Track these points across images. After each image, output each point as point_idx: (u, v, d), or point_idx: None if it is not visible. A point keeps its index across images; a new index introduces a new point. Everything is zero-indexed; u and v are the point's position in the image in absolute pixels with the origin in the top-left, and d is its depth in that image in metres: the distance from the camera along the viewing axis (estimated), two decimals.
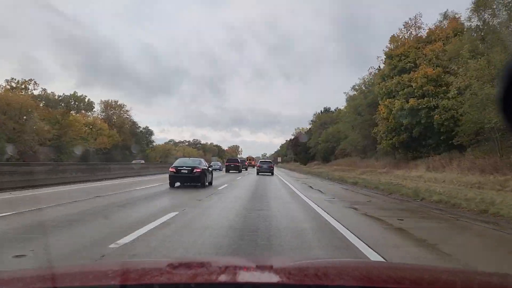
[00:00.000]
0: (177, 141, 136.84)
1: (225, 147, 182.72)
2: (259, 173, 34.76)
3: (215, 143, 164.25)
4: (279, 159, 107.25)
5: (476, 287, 1.39)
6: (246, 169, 51.64)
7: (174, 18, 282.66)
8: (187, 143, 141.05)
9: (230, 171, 39.69)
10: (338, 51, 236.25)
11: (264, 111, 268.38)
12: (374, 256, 4.83)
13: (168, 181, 16.98)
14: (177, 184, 17.13)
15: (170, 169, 17.25)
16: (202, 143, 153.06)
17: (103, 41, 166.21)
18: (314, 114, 77.38)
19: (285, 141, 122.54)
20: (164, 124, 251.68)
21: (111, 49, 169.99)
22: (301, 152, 78.86)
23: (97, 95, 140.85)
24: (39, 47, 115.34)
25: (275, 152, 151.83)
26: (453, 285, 1.42)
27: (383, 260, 4.67)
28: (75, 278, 1.39)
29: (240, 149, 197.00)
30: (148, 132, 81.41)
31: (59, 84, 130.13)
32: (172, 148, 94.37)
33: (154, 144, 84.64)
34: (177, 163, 18.08)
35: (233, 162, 42.60)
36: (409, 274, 1.59)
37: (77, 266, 3.48)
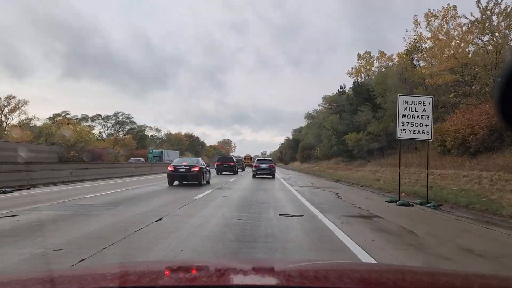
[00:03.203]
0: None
1: (213, 142, 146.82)
2: (257, 175, 27.08)
3: (202, 137, 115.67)
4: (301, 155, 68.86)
5: None
6: (243, 170, 45.71)
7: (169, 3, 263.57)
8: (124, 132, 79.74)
9: (223, 173, 31.97)
10: (350, 37, 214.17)
11: (265, 108, 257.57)
12: None
13: (167, 180, 17.69)
14: (176, 182, 17.67)
15: (168, 168, 17.97)
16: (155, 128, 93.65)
17: (90, 27, 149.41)
18: None
19: (298, 128, 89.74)
20: (162, 122, 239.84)
21: (100, 36, 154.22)
22: None
23: (87, 88, 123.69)
24: (16, 33, 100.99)
25: (278, 149, 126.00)
26: (453, 287, 1.42)
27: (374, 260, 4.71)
28: (74, 280, 1.38)
29: (233, 145, 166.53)
30: None
31: (41, 75, 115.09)
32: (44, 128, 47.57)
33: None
34: (175, 162, 18.85)
35: (226, 161, 33.68)
36: (408, 276, 1.60)
37: (76, 269, 3.47)
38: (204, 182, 18.07)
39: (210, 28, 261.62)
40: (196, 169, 17.27)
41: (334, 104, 54.69)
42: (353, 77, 51.98)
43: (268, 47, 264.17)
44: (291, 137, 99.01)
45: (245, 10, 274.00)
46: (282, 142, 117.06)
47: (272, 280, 1.46)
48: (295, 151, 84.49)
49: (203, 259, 4.02)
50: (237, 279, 1.42)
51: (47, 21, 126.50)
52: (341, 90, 54.30)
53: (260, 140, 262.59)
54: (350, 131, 38.04)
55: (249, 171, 39.80)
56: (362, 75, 51.74)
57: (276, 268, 1.70)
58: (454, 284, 1.48)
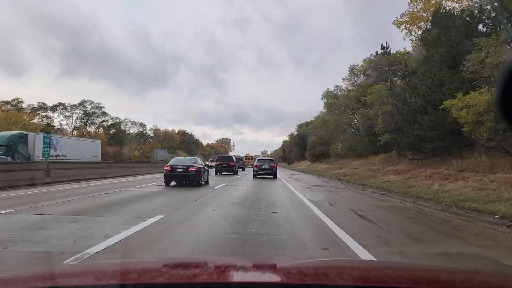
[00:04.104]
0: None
1: (213, 141, 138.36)
2: (258, 175, 26.68)
3: (198, 137, 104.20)
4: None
5: (475, 286, 1.40)
6: (243, 169, 45.72)
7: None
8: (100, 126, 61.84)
9: (223, 173, 31.01)
10: (352, 36, 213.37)
11: (266, 108, 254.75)
12: None
13: (164, 180, 17.41)
14: (173, 183, 17.43)
15: (165, 168, 17.70)
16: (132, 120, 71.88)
17: (88, 24, 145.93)
18: None
19: (304, 122, 75.76)
20: (162, 121, 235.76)
21: (99, 33, 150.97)
22: None
23: (87, 87, 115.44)
24: (16, 33, 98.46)
25: (280, 147, 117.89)
26: (452, 284, 1.43)
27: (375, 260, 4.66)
28: (75, 277, 1.38)
29: (232, 144, 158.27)
30: None
31: (40, 74, 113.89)
32: None
33: None
34: (172, 161, 18.49)
35: (226, 160, 32.25)
36: (408, 273, 1.60)
37: (76, 266, 3.46)
38: (203, 182, 17.81)
39: (211, 27, 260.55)
40: (193, 169, 17.00)
41: (369, 72, 38.58)
42: (403, 29, 34.35)
43: (269, 46, 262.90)
44: (295, 133, 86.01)
45: (245, 7, 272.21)
46: (286, 139, 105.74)
47: (272, 277, 1.46)
48: (301, 149, 72.64)
49: (203, 257, 4.00)
50: (237, 276, 1.42)
51: (46, 20, 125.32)
52: (383, 50, 40.49)
53: (260, 140, 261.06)
54: (439, 98, 18.60)
55: (249, 170, 39.10)
56: (421, 24, 32.01)
57: (276, 265, 1.70)
58: (453, 281, 1.49)
